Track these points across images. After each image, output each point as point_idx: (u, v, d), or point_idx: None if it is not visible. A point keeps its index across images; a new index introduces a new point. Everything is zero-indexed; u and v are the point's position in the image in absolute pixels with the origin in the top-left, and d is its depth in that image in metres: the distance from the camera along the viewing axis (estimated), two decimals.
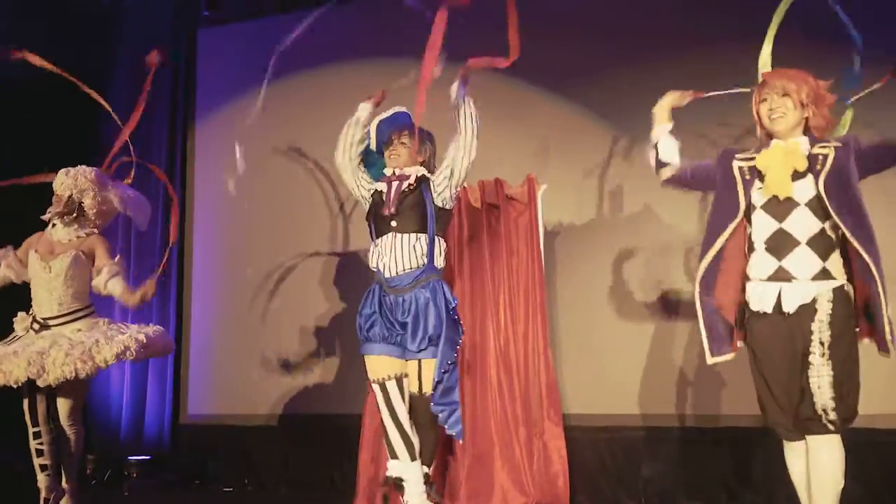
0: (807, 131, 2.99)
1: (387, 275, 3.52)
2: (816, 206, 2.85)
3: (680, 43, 4.82)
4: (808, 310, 2.82)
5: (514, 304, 4.64)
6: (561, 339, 4.89)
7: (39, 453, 4.06)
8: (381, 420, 3.55)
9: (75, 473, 4.18)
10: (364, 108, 3.76)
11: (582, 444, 4.64)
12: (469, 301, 4.68)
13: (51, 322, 4.03)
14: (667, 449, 4.56)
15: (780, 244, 2.89)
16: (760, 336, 2.94)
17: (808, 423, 2.80)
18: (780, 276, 2.88)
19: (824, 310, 2.80)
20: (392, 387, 3.52)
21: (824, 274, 2.85)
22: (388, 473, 3.52)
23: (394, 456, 3.50)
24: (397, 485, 3.48)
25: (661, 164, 3.26)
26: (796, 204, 2.88)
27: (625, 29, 5.00)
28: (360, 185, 3.73)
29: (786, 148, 2.94)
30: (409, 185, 3.57)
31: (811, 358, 2.78)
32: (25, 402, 4.05)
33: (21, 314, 4.12)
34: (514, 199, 4.72)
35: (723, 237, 2.99)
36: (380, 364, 3.55)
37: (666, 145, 3.25)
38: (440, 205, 3.57)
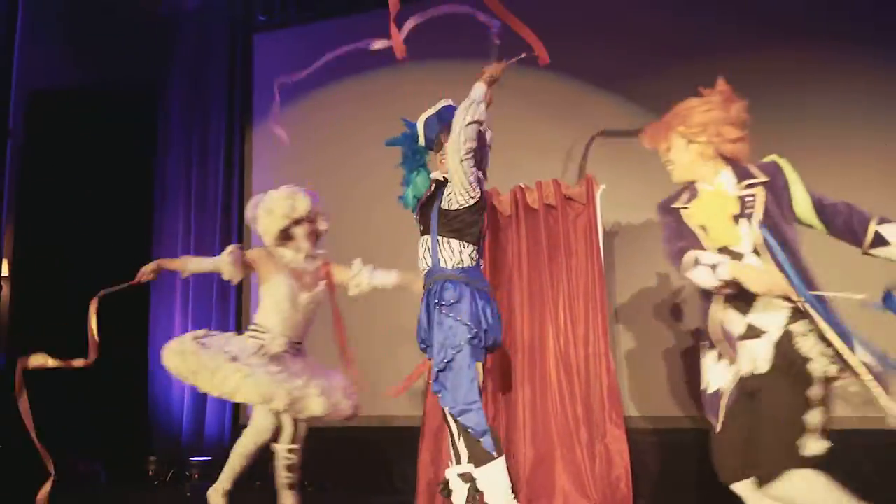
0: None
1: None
2: (764, 250, 2.56)
3: (734, 44, 4.75)
4: None
5: (574, 305, 4.59)
6: (621, 341, 4.83)
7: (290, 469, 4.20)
8: None
9: None
10: None
11: (644, 447, 4.58)
12: (528, 302, 4.65)
13: (298, 346, 4.11)
14: None
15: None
16: None
17: None
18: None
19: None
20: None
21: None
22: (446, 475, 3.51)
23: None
24: (444, 488, 3.44)
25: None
26: (740, 255, 2.60)
27: (684, 29, 4.95)
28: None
29: (714, 194, 2.70)
30: (430, 190, 3.56)
31: None
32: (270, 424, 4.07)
33: (273, 332, 3.99)
34: (572, 200, 4.68)
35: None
36: (426, 367, 3.56)
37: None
38: (445, 206, 3.42)
